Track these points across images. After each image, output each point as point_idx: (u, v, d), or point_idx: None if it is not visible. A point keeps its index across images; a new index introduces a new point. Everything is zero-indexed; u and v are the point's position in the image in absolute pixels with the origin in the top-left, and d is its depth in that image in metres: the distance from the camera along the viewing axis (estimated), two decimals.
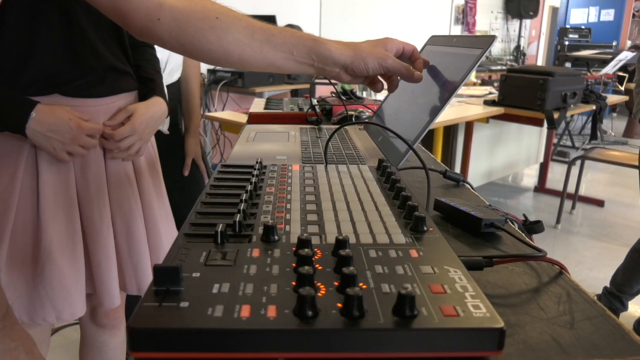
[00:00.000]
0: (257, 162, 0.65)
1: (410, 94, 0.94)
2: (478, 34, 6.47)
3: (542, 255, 0.44)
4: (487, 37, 0.69)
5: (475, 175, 3.37)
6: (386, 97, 1.05)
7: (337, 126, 0.96)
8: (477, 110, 2.74)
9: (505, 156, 3.67)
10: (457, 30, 6.27)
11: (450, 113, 2.54)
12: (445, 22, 6.14)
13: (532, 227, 0.57)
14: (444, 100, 0.69)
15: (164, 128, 1.19)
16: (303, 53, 0.71)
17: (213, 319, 0.31)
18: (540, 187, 3.97)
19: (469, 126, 3.16)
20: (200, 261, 0.38)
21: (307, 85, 3.49)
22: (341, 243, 0.40)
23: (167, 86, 1.28)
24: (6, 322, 0.58)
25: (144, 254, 1.04)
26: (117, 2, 0.68)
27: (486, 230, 0.51)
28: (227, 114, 2.31)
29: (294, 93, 3.45)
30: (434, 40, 0.96)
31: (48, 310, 0.92)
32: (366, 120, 1.12)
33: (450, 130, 3.12)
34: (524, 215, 0.60)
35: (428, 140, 2.72)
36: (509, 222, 0.54)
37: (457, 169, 3.22)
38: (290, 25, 4.13)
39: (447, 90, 0.71)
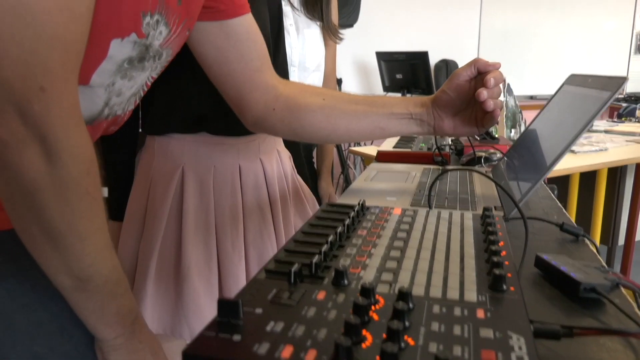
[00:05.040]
0: (358, 204, 0.66)
1: (541, 133, 0.88)
2: None
3: (638, 332, 0.39)
4: (617, 79, 0.63)
5: None
6: (522, 135, 1.00)
7: (464, 167, 0.93)
8: None
9: None
10: (638, 60, 5.61)
11: (618, 153, 2.27)
12: (625, 52, 5.54)
13: None
14: (562, 148, 0.64)
15: None
16: (401, 107, 0.78)
17: (256, 356, 0.33)
18: None
19: None
20: (268, 298, 0.41)
21: None
22: (403, 295, 0.40)
23: None
24: (135, 326, 0.65)
25: None
26: (241, 93, 0.79)
27: (586, 295, 0.46)
28: (369, 149, 2.37)
29: None
30: (572, 79, 0.90)
31: (184, 328, 1.00)
32: (495, 161, 1.07)
33: (616, 173, 2.78)
34: None
35: (564, 185, 2.41)
36: (621, 288, 0.48)
37: (624, 218, 2.84)
38: (444, 61, 4.09)
39: (568, 136, 0.65)
